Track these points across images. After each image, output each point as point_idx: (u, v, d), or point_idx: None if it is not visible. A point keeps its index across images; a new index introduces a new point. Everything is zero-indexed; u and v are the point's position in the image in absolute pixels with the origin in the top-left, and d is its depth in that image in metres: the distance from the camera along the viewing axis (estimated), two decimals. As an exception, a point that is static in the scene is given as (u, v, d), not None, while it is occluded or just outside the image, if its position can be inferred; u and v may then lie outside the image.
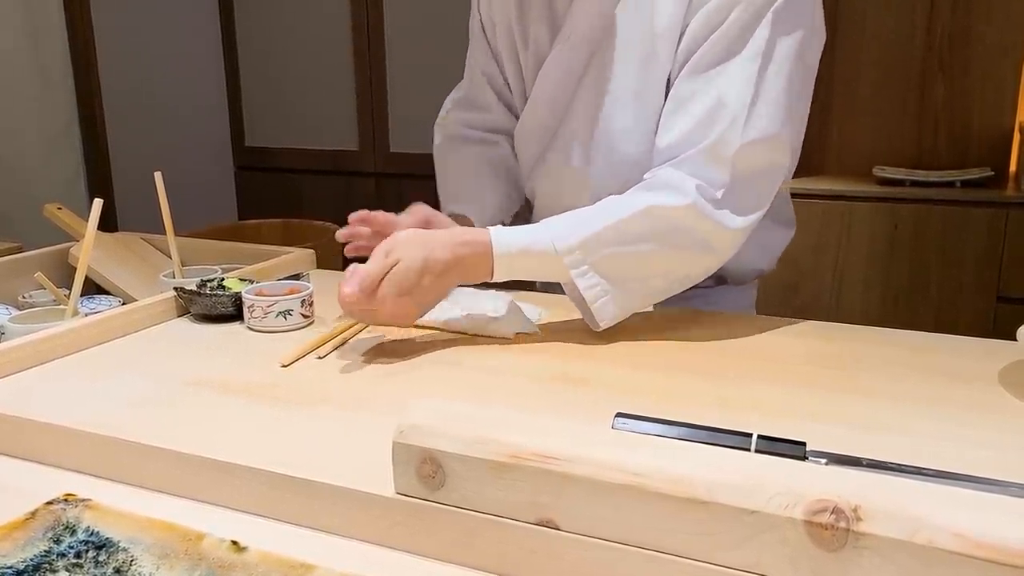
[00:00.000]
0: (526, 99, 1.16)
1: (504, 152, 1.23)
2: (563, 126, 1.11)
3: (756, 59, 0.94)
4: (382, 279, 0.89)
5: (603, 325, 0.96)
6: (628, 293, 0.96)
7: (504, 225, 1.01)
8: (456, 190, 1.21)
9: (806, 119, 1.03)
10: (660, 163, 0.99)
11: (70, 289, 1.03)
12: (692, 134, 0.96)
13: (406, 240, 0.92)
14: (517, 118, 1.20)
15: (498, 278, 0.94)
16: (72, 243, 1.25)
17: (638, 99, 1.03)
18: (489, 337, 0.97)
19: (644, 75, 1.02)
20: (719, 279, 1.15)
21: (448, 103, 1.31)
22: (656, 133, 1.02)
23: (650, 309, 1.06)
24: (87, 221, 1.05)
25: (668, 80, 1.01)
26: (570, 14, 1.05)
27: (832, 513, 0.46)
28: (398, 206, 1.24)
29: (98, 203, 1.05)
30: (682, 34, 0.98)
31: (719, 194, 0.95)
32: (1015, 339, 0.82)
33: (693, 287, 1.03)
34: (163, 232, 1.21)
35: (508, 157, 1.23)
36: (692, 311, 1.08)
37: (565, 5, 1.07)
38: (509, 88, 1.21)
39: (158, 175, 1.16)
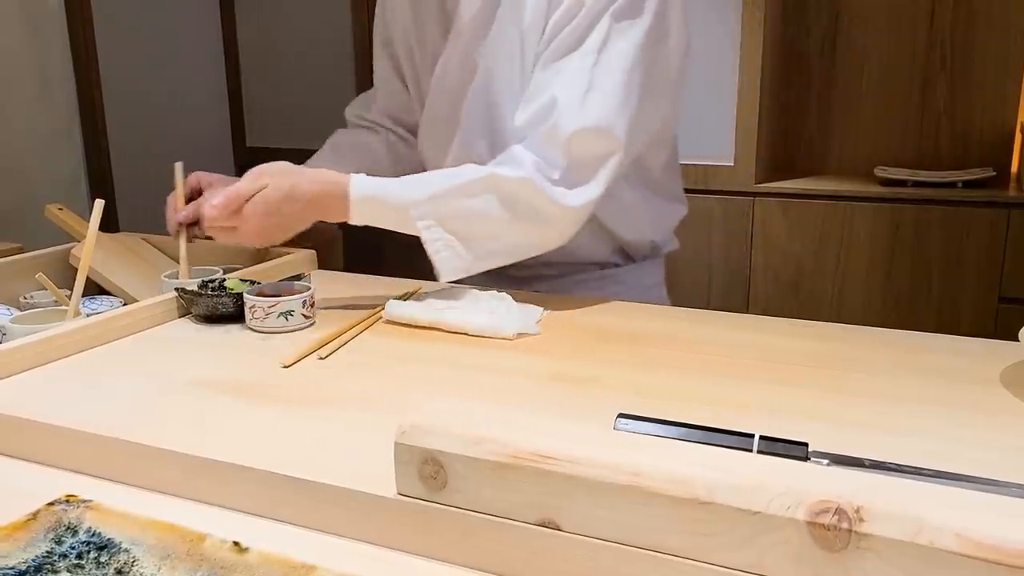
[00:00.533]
0: (423, 101, 1.21)
1: (380, 139, 1.32)
2: (462, 124, 1.15)
3: (592, 53, 1.02)
4: (248, 200, 0.96)
5: (444, 277, 1.04)
6: (468, 251, 1.03)
7: None
8: (316, 154, 1.29)
9: (660, 111, 1.10)
10: (511, 143, 1.07)
11: (71, 290, 1.03)
12: (534, 119, 1.04)
13: (275, 168, 0.99)
14: (413, 122, 1.27)
15: (355, 221, 1.02)
16: (73, 244, 1.25)
17: (524, 92, 1.09)
18: (489, 337, 0.97)
19: (522, 72, 1.09)
20: (625, 256, 1.23)
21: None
22: None
23: (650, 308, 1.06)
24: (88, 222, 1.05)
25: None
26: (457, 13, 1.10)
27: (834, 514, 0.46)
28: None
29: (99, 204, 1.05)
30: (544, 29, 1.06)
31: (556, 175, 1.02)
32: (1017, 339, 0.82)
33: (601, 267, 1.16)
34: (164, 233, 1.21)
35: (378, 145, 1.31)
36: (694, 312, 1.08)
37: (454, 3, 1.11)
38: (407, 89, 1.27)
39: (178, 165, 1.17)
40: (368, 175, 1.05)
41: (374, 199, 1.01)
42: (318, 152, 1.31)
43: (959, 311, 2.24)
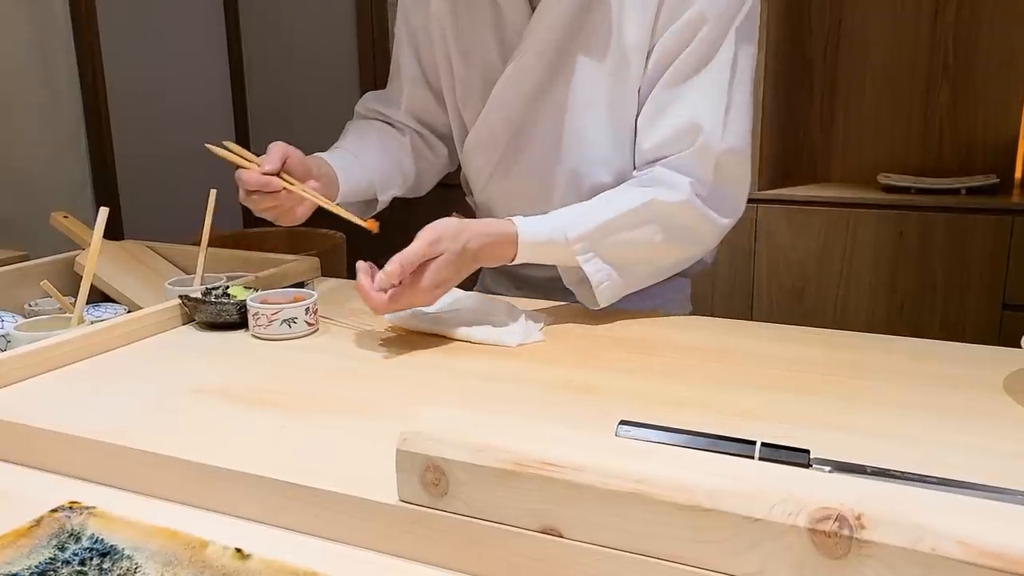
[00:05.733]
0: (458, 108, 1.20)
1: (405, 140, 1.29)
2: (524, 134, 1.15)
3: (727, 69, 1.04)
4: (423, 265, 0.95)
5: (602, 304, 1.05)
6: (626, 277, 1.05)
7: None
8: (341, 142, 1.25)
9: None
10: (644, 163, 1.08)
11: (76, 297, 1.03)
12: (675, 139, 1.05)
13: (448, 232, 0.97)
14: (443, 126, 1.27)
15: (518, 261, 1.02)
16: (78, 251, 1.25)
17: (612, 106, 1.10)
18: (492, 345, 0.97)
19: (616, 85, 1.09)
20: None
21: (372, 92, 1.36)
22: (627, 139, 1.11)
23: (653, 316, 1.06)
24: (93, 229, 1.06)
25: (639, 90, 1.09)
26: (529, 31, 1.09)
27: (835, 521, 0.46)
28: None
29: (104, 211, 1.05)
30: (651, 47, 1.06)
31: (705, 193, 1.05)
32: (1020, 347, 0.82)
33: None
34: (168, 241, 1.21)
35: (405, 143, 1.28)
36: (697, 319, 1.08)
37: (519, 22, 1.11)
38: (432, 92, 1.25)
39: (213, 192, 1.17)
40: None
41: (541, 242, 1.02)
42: (343, 142, 1.25)
43: (963, 318, 2.23)
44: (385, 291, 0.94)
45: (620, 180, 1.12)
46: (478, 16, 1.14)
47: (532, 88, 1.12)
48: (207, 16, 3.16)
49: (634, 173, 1.09)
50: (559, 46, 1.09)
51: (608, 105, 1.10)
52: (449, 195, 1.33)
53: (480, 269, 1.27)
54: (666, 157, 1.06)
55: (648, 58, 1.06)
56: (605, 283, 1.04)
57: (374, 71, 2.97)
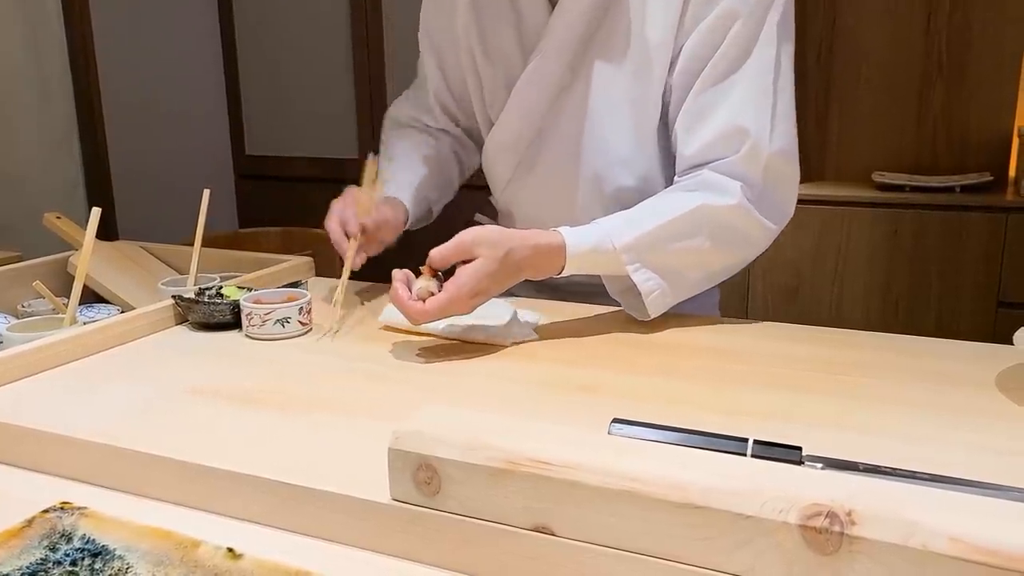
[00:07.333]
0: (486, 111, 1.19)
1: (444, 147, 1.30)
2: (545, 136, 1.14)
3: (768, 71, 1.01)
4: (460, 273, 0.92)
5: (652, 315, 1.02)
6: (676, 286, 1.02)
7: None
8: (398, 175, 1.23)
9: None
10: (686, 168, 1.05)
11: (69, 298, 1.03)
12: (720, 143, 1.02)
13: (487, 238, 0.95)
14: (473, 128, 1.26)
15: (566, 273, 0.99)
16: (71, 252, 1.25)
17: (634, 106, 1.08)
18: (486, 344, 0.97)
19: (639, 83, 1.06)
20: None
21: (403, 95, 1.36)
22: (650, 140, 1.08)
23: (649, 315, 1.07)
24: (86, 230, 1.06)
25: (664, 90, 1.06)
26: (548, 30, 1.08)
27: (826, 517, 0.46)
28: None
29: (96, 212, 1.05)
30: (677, 46, 1.03)
31: (755, 197, 1.03)
32: (1013, 343, 0.82)
33: None
34: (163, 241, 1.21)
35: (448, 153, 1.30)
36: (691, 317, 1.08)
37: (539, 22, 1.10)
38: (454, 99, 1.27)
39: (206, 192, 1.17)
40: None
41: (589, 252, 0.98)
42: (401, 173, 1.23)
43: (958, 316, 2.24)
44: (423, 300, 0.92)
45: (643, 182, 1.10)
46: (500, 16, 1.12)
47: (552, 88, 1.11)
48: (201, 15, 3.15)
49: (677, 178, 1.06)
50: (578, 45, 1.08)
51: (630, 106, 1.08)
52: (475, 196, 1.33)
53: None
54: (712, 161, 1.03)
55: (677, 58, 1.04)
56: (656, 292, 1.00)
57: (368, 67, 2.96)
